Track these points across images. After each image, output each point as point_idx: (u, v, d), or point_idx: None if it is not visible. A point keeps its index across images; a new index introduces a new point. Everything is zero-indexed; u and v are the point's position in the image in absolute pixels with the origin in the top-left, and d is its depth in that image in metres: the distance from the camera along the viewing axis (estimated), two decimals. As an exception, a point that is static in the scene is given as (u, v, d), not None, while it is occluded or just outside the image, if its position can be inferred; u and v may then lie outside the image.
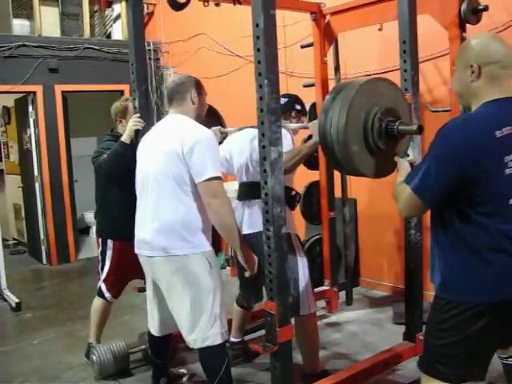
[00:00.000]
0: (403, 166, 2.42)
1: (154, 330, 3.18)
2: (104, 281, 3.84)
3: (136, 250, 3.00)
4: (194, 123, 2.89)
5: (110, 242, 3.81)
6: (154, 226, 2.82)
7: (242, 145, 3.44)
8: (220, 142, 3.59)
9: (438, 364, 2.15)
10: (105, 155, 3.66)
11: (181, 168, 2.74)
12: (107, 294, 3.83)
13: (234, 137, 3.61)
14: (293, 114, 3.59)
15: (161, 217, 2.80)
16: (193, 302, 2.81)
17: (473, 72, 2.08)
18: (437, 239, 2.17)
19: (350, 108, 2.53)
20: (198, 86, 3.03)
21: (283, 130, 3.13)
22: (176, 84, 3.00)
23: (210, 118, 3.91)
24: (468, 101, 2.16)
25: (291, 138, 3.33)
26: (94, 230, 8.59)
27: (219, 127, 3.72)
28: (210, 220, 2.83)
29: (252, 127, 3.09)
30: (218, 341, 2.84)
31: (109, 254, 3.81)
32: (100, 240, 3.89)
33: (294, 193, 3.35)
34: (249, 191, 3.37)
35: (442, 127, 2.05)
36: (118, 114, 3.98)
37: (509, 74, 2.10)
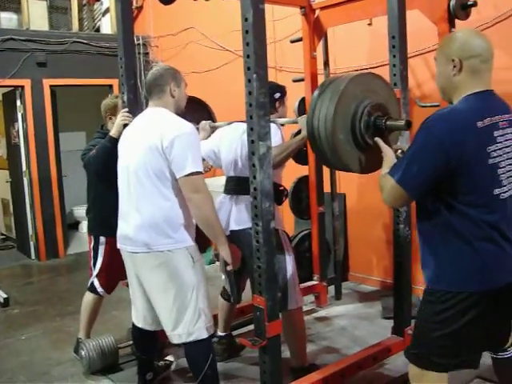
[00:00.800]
0: (388, 156, 2.40)
1: (138, 322, 3.16)
2: (97, 276, 3.83)
3: (118, 245, 2.99)
4: (174, 117, 2.86)
5: (102, 239, 3.81)
6: (136, 221, 2.81)
7: (231, 139, 3.42)
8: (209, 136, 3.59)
9: (432, 356, 2.16)
10: (93, 151, 3.63)
11: (161, 163, 2.72)
12: (100, 289, 3.83)
13: (223, 131, 3.59)
14: (276, 105, 3.52)
15: (143, 212, 2.79)
16: (176, 298, 2.80)
17: (454, 66, 2.13)
18: (423, 230, 2.20)
19: (340, 99, 2.51)
20: (177, 78, 2.98)
21: (272, 125, 3.12)
22: (154, 76, 2.95)
23: (201, 112, 3.91)
24: (450, 95, 2.19)
25: (280, 133, 3.31)
26: (83, 225, 8.66)
27: (209, 121, 3.71)
28: (190, 215, 2.83)
29: (241, 122, 3.08)
30: (204, 335, 2.84)
31: (101, 249, 3.81)
32: (92, 237, 3.87)
33: (281, 188, 3.34)
34: (237, 186, 3.36)
35: (426, 119, 2.07)
36: (107, 111, 3.96)
37: (489, 67, 2.17)
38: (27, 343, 4.41)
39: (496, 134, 2.06)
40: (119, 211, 2.99)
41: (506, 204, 2.09)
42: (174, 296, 2.80)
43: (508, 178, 2.09)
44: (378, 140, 2.50)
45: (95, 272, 3.83)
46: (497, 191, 2.06)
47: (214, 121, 3.92)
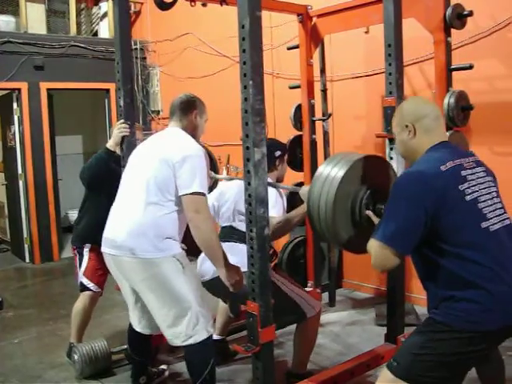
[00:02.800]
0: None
1: (135, 324, 3.17)
2: (84, 273, 3.85)
3: (102, 249, 2.99)
4: (191, 138, 2.94)
5: (87, 246, 3.88)
6: (125, 227, 2.82)
7: (231, 195, 3.47)
8: (210, 188, 3.49)
9: (417, 376, 2.15)
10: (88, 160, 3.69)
11: (167, 176, 2.77)
12: (91, 285, 3.84)
13: (223, 186, 3.65)
14: (276, 163, 3.52)
15: (135, 219, 2.80)
16: (172, 306, 2.81)
17: (409, 131, 2.30)
18: (427, 278, 2.22)
19: (340, 185, 2.52)
20: (202, 108, 3.10)
21: (274, 192, 3.25)
22: (181, 100, 3.06)
23: None
24: (413, 158, 2.32)
25: (282, 203, 3.36)
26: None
27: (211, 172, 3.70)
28: (183, 230, 2.88)
29: (240, 179, 3.11)
30: (203, 336, 2.84)
31: (86, 250, 3.87)
32: (76, 246, 3.97)
33: (271, 251, 3.28)
34: (228, 233, 3.39)
35: (397, 179, 2.24)
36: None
37: (440, 123, 2.34)
38: (20, 347, 4.40)
39: (464, 173, 2.16)
40: (111, 215, 3.00)
41: (499, 235, 2.12)
42: (169, 304, 2.81)
43: (492, 211, 2.15)
44: (370, 213, 2.53)
45: (81, 270, 3.86)
46: (484, 224, 2.10)
47: (215, 170, 3.93)
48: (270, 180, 3.30)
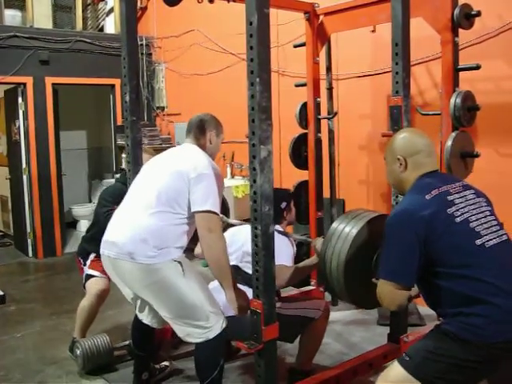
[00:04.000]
0: None
1: (142, 317, 3.18)
2: (89, 266, 3.90)
3: (101, 251, 2.98)
4: (208, 157, 2.96)
5: (91, 255, 3.94)
6: (129, 232, 2.80)
7: (241, 238, 3.43)
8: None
9: (428, 375, 2.15)
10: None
11: (181, 188, 2.78)
12: (96, 273, 3.87)
13: (234, 229, 3.63)
14: (284, 214, 3.55)
15: (137, 224, 2.80)
16: (178, 309, 2.81)
17: (401, 164, 2.36)
18: (435, 304, 2.25)
19: (355, 240, 2.59)
20: (219, 128, 3.12)
21: (286, 241, 3.34)
22: (199, 119, 3.09)
23: None
24: (401, 188, 2.41)
25: (292, 251, 3.39)
26: (81, 223, 8.65)
27: (222, 216, 3.70)
28: (186, 242, 2.88)
29: None
30: (215, 332, 2.81)
31: (91, 256, 3.94)
32: (81, 257, 4.01)
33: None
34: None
35: (387, 221, 2.26)
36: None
37: (432, 160, 2.38)
38: (23, 341, 4.40)
39: (451, 198, 2.21)
40: (115, 218, 2.99)
41: (497, 250, 2.15)
42: (175, 308, 2.81)
43: (486, 228, 2.19)
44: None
45: (87, 265, 3.91)
46: (478, 242, 2.14)
47: (227, 216, 3.93)
48: (281, 229, 3.40)
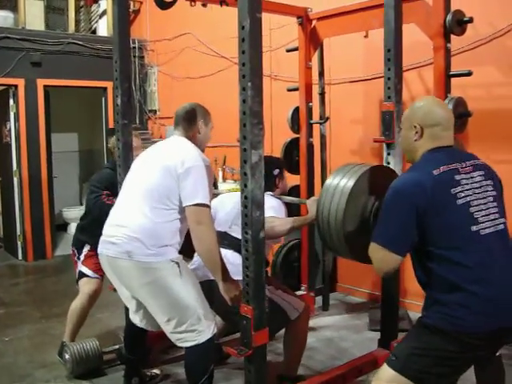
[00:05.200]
0: None
1: (135, 320, 3.15)
2: (82, 263, 3.87)
3: (99, 250, 2.97)
4: (197, 149, 2.93)
5: (86, 246, 3.89)
6: (125, 230, 2.79)
7: (233, 204, 3.40)
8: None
9: (414, 371, 2.16)
10: (104, 197, 3.74)
11: (171, 185, 2.76)
12: (89, 271, 3.84)
13: (223, 197, 3.63)
14: (277, 182, 3.54)
15: (134, 223, 2.79)
16: (172, 309, 2.79)
17: (416, 132, 2.31)
18: (423, 282, 2.24)
19: (351, 194, 2.53)
20: (206, 117, 3.08)
21: (277, 200, 3.32)
22: (186, 110, 3.05)
23: None
24: (412, 156, 2.37)
25: (285, 210, 3.37)
26: (72, 226, 8.60)
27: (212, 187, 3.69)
28: (182, 238, 2.87)
29: None
30: (206, 337, 2.81)
31: (85, 249, 3.88)
32: (76, 248, 3.96)
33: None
34: (224, 239, 3.32)
35: (391, 184, 2.23)
36: (114, 147, 3.98)
37: (449, 134, 2.32)
38: (11, 345, 4.37)
39: (458, 177, 2.17)
40: (110, 217, 2.98)
41: (490, 239, 2.14)
42: (169, 309, 2.79)
43: (485, 215, 2.17)
44: None
45: (80, 261, 3.88)
46: (474, 228, 2.12)
47: (215, 187, 3.92)
48: (272, 195, 3.39)
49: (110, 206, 3.18)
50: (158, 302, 2.81)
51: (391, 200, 2.19)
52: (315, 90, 4.72)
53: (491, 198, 2.22)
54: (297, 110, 4.67)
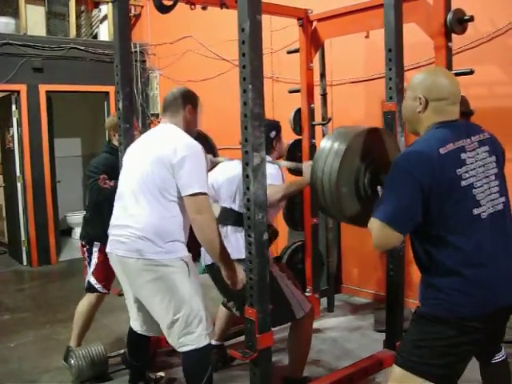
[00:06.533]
0: None
1: (135, 326, 3.14)
2: (93, 273, 3.84)
3: (108, 249, 2.97)
4: (186, 136, 2.88)
5: (96, 244, 3.83)
6: (131, 229, 2.79)
7: (232, 177, 3.41)
8: (209, 171, 3.52)
9: (420, 364, 2.15)
10: (101, 180, 3.70)
11: (167, 176, 2.73)
12: (98, 286, 3.82)
13: (222, 166, 3.61)
14: (274, 144, 3.53)
15: (140, 221, 2.77)
16: (175, 309, 2.78)
17: (420, 104, 2.22)
18: (420, 266, 2.22)
19: (346, 154, 2.51)
20: (195, 102, 3.02)
21: (273, 166, 3.26)
22: (174, 96, 2.98)
23: (203, 145, 3.90)
24: (414, 127, 2.30)
25: (281, 175, 3.36)
26: (76, 231, 8.60)
27: (210, 156, 3.68)
28: (187, 230, 2.84)
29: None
30: (203, 342, 2.81)
31: (95, 249, 3.84)
32: (85, 243, 3.91)
33: (272, 228, 3.24)
34: (229, 217, 3.36)
35: (396, 159, 2.17)
36: (111, 129, 3.98)
37: (455, 108, 2.23)
38: (16, 350, 4.37)
39: (463, 156, 2.11)
40: (114, 217, 2.97)
41: (488, 221, 2.11)
42: (172, 308, 2.78)
43: (487, 195, 2.12)
44: (380, 189, 2.51)
45: (91, 269, 3.84)
46: (476, 211, 2.09)
47: (215, 155, 3.91)
48: (270, 159, 3.32)
49: (108, 189, 3.15)
50: (161, 299, 2.79)
51: (396, 176, 2.12)
52: (317, 91, 4.71)
53: (493, 177, 2.18)
54: (299, 111, 4.66)
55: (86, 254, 3.90)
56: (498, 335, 2.32)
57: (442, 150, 2.08)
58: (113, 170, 3.59)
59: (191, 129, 2.99)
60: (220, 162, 3.69)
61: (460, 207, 2.07)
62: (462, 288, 2.06)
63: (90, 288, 3.84)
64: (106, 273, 3.75)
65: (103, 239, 3.61)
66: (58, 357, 4.00)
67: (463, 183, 2.08)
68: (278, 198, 3.12)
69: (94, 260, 3.84)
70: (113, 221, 2.97)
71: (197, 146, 2.81)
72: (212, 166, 3.65)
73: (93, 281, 3.83)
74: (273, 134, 3.50)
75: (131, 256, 2.78)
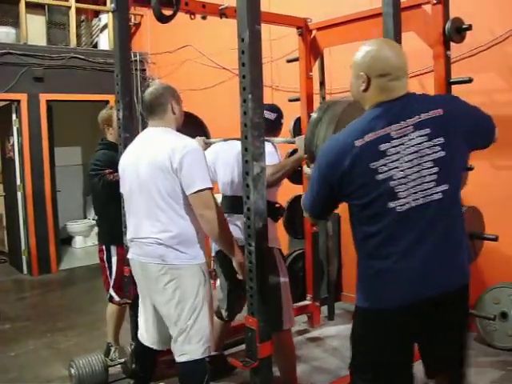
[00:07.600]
0: None
1: (142, 338, 3.12)
2: (113, 287, 3.88)
3: (129, 255, 2.98)
4: (178, 135, 2.87)
5: (113, 249, 3.86)
6: (152, 237, 2.79)
7: (228, 157, 3.42)
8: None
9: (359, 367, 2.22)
10: (107, 175, 3.75)
11: (173, 183, 2.74)
12: (118, 299, 3.85)
13: (219, 146, 3.57)
14: (281, 126, 3.65)
15: (160, 228, 2.77)
16: (187, 314, 2.78)
17: (363, 82, 2.09)
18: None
19: (338, 123, 2.52)
20: (176, 95, 2.99)
21: (269, 145, 3.17)
22: (155, 96, 2.92)
23: (195, 127, 3.90)
24: (362, 105, 2.17)
25: (277, 153, 3.34)
26: (76, 240, 8.62)
27: (203, 138, 3.70)
28: (203, 230, 2.84)
29: (237, 139, 3.06)
30: (201, 355, 2.81)
31: (114, 260, 3.87)
32: (103, 247, 3.93)
33: (277, 205, 3.36)
34: (232, 205, 3.36)
35: (321, 148, 2.19)
36: (104, 122, 4.01)
37: (400, 83, 2.05)
38: (17, 360, 4.37)
39: (384, 146, 1.96)
40: (130, 228, 2.97)
41: (409, 214, 1.97)
42: (185, 314, 2.78)
43: (413, 187, 1.96)
44: (306, 170, 2.56)
45: (111, 282, 3.89)
46: (391, 205, 1.96)
47: (208, 137, 3.91)
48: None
49: (118, 182, 3.14)
50: (178, 304, 2.78)
51: (315, 170, 2.15)
52: (316, 99, 4.72)
53: (430, 164, 1.97)
54: (298, 120, 4.67)
55: (105, 258, 3.93)
56: (437, 335, 2.12)
57: (357, 143, 1.96)
58: (114, 164, 3.58)
59: (178, 123, 3.00)
60: (214, 143, 3.66)
61: (373, 201, 1.97)
62: (376, 279, 2.03)
63: (113, 299, 3.89)
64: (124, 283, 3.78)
65: (117, 240, 3.63)
66: (58, 366, 4.01)
67: (380, 177, 1.95)
68: (277, 178, 3.16)
69: (114, 268, 3.87)
70: (130, 234, 2.97)
71: (190, 144, 2.79)
72: (206, 147, 3.63)
73: (114, 295, 3.89)
74: (283, 121, 3.65)
75: (153, 262, 2.80)
